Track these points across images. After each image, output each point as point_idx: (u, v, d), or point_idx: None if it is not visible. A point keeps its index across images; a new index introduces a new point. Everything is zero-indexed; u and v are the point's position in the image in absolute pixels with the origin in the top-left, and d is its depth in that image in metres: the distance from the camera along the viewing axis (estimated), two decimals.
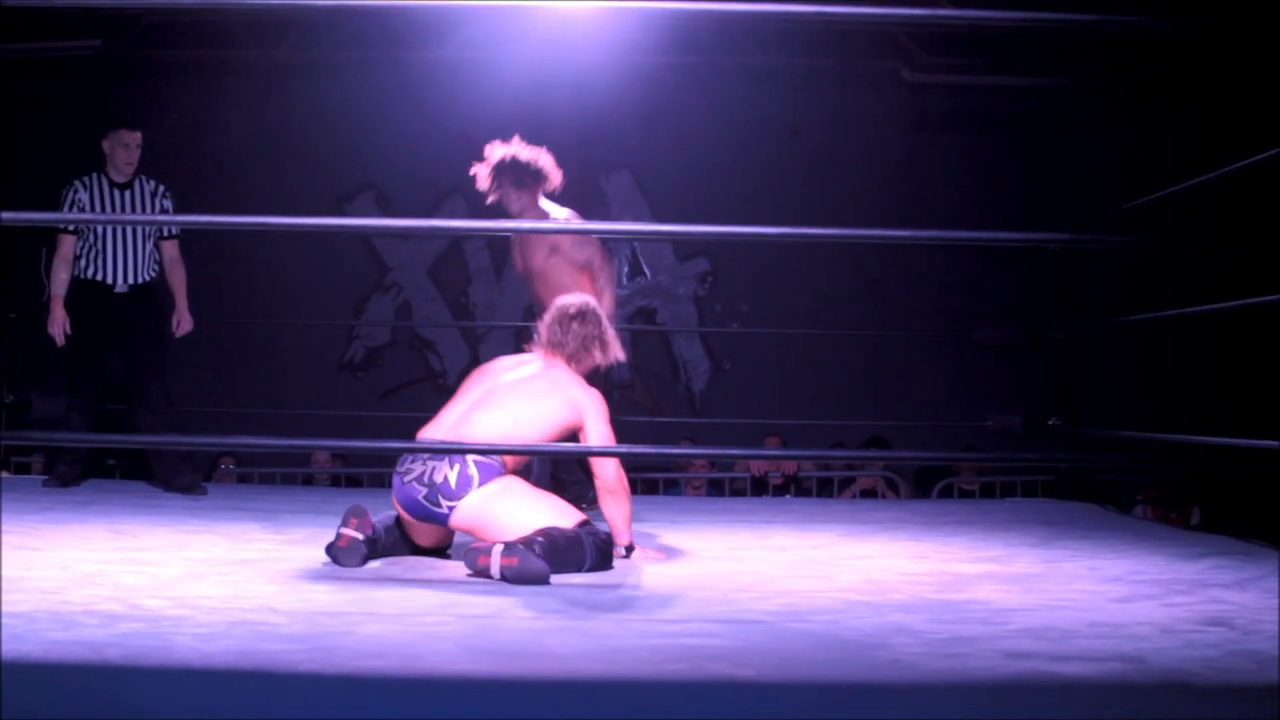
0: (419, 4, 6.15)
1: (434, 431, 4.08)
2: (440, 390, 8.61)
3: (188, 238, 6.08)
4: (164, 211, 5.88)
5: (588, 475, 4.67)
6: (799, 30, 8.82)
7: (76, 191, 5.77)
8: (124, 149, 5.81)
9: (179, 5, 6.46)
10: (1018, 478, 7.46)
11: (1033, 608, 3.25)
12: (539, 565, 3.60)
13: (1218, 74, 8.69)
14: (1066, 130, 9.16)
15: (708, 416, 9.18)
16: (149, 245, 5.85)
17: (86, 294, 5.79)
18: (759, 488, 7.74)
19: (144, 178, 5.87)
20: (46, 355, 5.87)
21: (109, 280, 5.79)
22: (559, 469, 5.25)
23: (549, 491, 4.29)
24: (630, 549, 4.13)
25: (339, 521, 3.87)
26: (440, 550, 4.09)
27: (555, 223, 5.05)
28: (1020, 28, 7.65)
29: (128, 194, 5.82)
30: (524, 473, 4.20)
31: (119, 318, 5.80)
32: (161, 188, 5.90)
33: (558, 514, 3.92)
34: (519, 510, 3.88)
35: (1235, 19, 3.55)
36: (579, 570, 3.78)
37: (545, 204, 5.14)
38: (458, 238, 9.43)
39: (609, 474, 4.14)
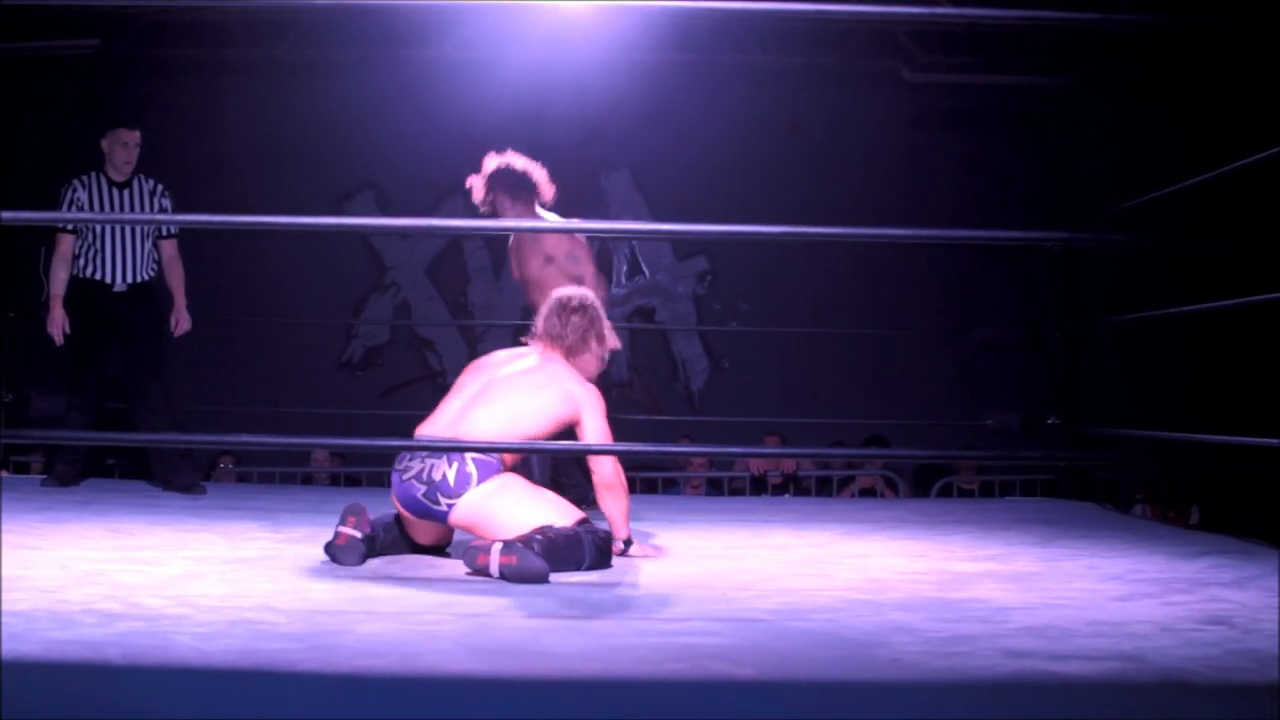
0: (419, 4, 6.15)
1: (431, 428, 4.08)
2: (439, 389, 8.53)
3: (187, 237, 6.07)
4: (163, 211, 5.88)
5: (587, 477, 4.67)
6: (799, 29, 8.81)
7: (75, 191, 5.76)
8: (123, 148, 5.81)
9: (178, 4, 6.46)
10: (1017, 477, 7.47)
11: (1032, 606, 3.25)
12: (538, 564, 3.60)
13: (1218, 72, 8.69)
14: (1066, 129, 9.16)
15: (707, 415, 9.18)
16: (148, 244, 5.85)
17: (85, 293, 5.79)
18: (758, 487, 7.74)
19: (143, 177, 5.87)
20: (46, 354, 5.87)
21: (108, 279, 5.79)
22: (559, 472, 5.25)
23: (549, 488, 4.30)
24: (628, 543, 4.14)
25: (337, 520, 3.87)
26: (440, 548, 4.09)
27: (553, 223, 5.06)
28: (1020, 26, 7.65)
29: (126, 193, 5.82)
30: (523, 465, 4.21)
31: (118, 317, 5.80)
32: (160, 187, 5.89)
33: (557, 511, 3.92)
34: (518, 507, 3.88)
35: (1235, 17, 3.54)
36: (578, 569, 3.78)
37: (542, 214, 5.17)
38: (456, 237, 9.42)
39: (606, 469, 4.14)
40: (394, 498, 4.01)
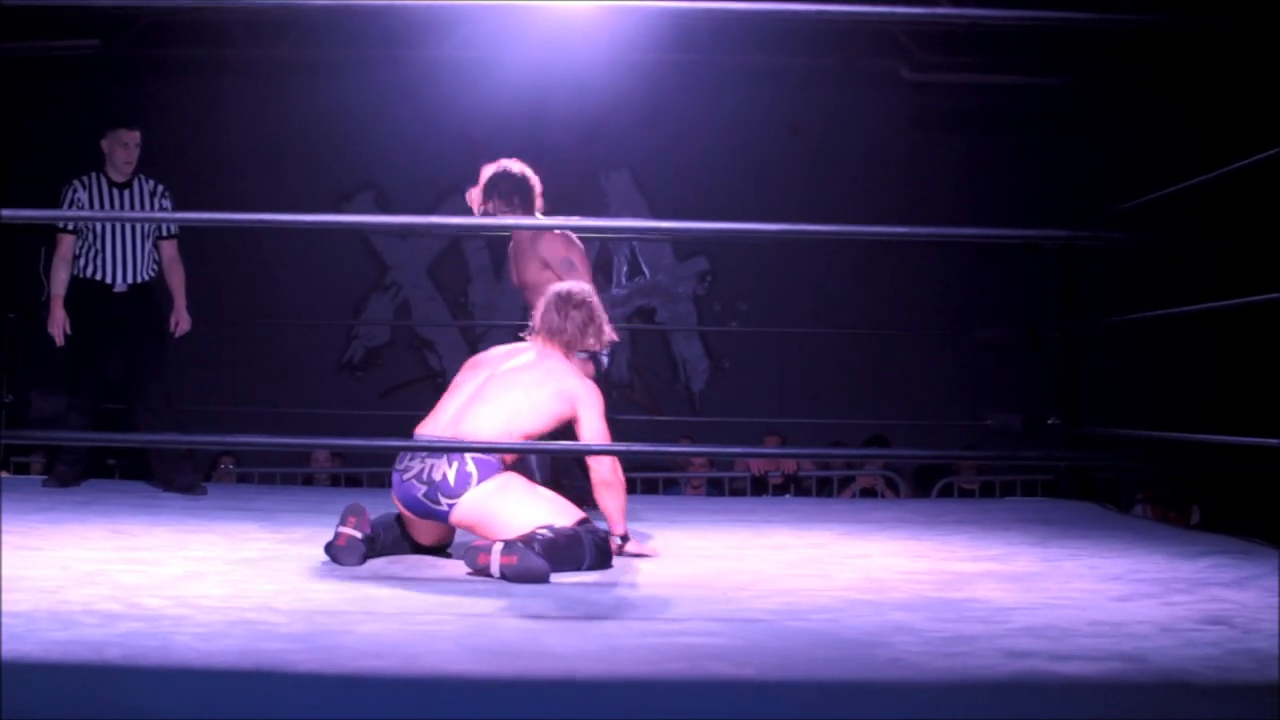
0: (419, 4, 6.15)
1: (431, 427, 4.08)
2: (439, 390, 8.52)
3: (187, 237, 6.07)
4: (163, 211, 5.88)
5: (587, 477, 4.68)
6: (799, 29, 8.81)
7: (76, 191, 5.76)
8: (123, 148, 5.81)
9: (178, 4, 6.45)
10: (1017, 477, 7.47)
11: (1032, 606, 3.25)
12: (538, 564, 3.60)
13: (1218, 73, 8.69)
14: (1066, 129, 9.16)
15: (707, 415, 9.18)
16: (148, 245, 5.85)
17: (86, 293, 5.79)
18: (758, 487, 7.74)
19: (143, 177, 5.87)
20: (46, 355, 5.87)
21: (108, 280, 5.79)
22: (559, 474, 5.26)
23: (550, 487, 4.30)
24: (625, 539, 4.13)
25: (338, 520, 3.87)
26: (441, 549, 4.09)
27: (553, 219, 5.06)
28: (1020, 26, 7.65)
29: (127, 193, 5.82)
30: (523, 463, 4.21)
31: (118, 317, 5.80)
32: (160, 187, 5.89)
33: (557, 511, 3.93)
34: (518, 507, 3.88)
35: (1235, 17, 3.54)
36: (578, 568, 3.78)
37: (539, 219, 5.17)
38: (457, 237, 9.42)
39: (604, 466, 4.14)
40: (395, 498, 4.02)
